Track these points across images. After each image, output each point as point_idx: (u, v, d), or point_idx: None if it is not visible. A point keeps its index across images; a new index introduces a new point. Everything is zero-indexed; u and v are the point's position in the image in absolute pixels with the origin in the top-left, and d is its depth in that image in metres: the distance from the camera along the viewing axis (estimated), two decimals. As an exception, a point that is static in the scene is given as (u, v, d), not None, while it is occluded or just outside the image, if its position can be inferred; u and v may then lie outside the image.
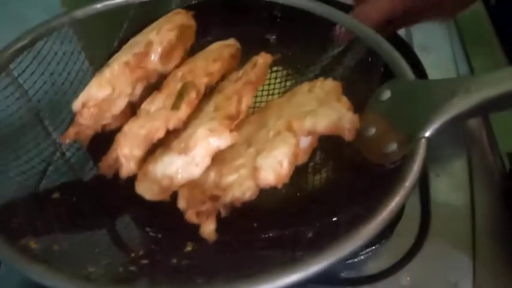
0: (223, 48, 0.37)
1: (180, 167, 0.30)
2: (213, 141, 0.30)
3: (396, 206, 0.25)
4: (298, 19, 0.43)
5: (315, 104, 0.34)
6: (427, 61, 0.47)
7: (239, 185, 0.29)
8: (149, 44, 0.32)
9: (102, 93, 0.30)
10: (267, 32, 0.47)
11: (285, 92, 0.42)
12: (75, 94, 0.32)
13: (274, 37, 0.48)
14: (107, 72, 0.30)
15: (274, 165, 0.29)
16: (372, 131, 0.34)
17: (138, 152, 0.32)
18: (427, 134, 0.29)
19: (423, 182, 0.41)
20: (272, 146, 0.30)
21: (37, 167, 0.36)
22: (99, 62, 0.37)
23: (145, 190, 0.31)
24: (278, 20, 0.47)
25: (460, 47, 0.56)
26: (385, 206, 0.25)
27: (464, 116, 0.29)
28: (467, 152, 0.44)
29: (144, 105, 0.34)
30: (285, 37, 0.48)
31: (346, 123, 0.31)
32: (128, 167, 0.32)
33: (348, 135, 0.31)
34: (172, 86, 0.34)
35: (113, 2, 0.38)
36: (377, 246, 0.35)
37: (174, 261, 0.28)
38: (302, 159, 0.30)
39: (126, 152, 0.32)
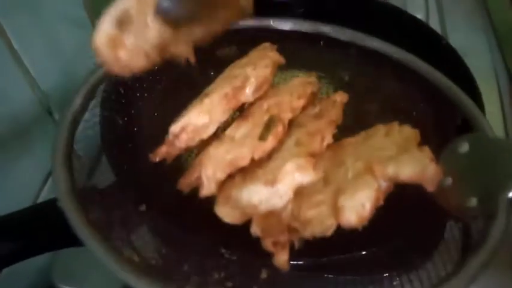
0: (306, 86, 0.39)
1: (265, 197, 0.31)
2: (299, 177, 0.31)
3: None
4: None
5: (394, 149, 0.35)
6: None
7: (320, 222, 0.30)
8: (246, 79, 0.34)
9: (201, 121, 0.32)
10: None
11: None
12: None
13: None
14: (207, 102, 0.32)
15: (358, 207, 0.30)
16: (449, 181, 0.34)
17: (221, 175, 0.33)
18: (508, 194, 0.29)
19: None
20: (355, 187, 0.31)
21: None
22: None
23: (226, 214, 0.33)
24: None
25: (499, 54, 0.54)
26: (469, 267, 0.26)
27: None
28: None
29: (229, 132, 0.36)
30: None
31: (428, 174, 0.31)
32: (208, 188, 0.34)
33: (430, 186, 0.31)
34: (258, 116, 0.36)
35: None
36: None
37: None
38: (380, 203, 0.31)
39: (210, 174, 0.34)
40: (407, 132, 0.36)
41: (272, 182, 0.31)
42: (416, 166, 0.32)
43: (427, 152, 0.33)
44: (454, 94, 0.38)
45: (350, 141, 0.38)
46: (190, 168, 0.36)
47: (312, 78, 0.41)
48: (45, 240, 0.31)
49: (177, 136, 0.33)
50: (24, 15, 0.41)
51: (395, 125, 0.38)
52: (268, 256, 0.31)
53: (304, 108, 0.39)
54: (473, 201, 0.31)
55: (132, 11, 0.28)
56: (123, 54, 0.27)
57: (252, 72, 0.34)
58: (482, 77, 0.47)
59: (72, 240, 0.26)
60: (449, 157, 0.36)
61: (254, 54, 0.37)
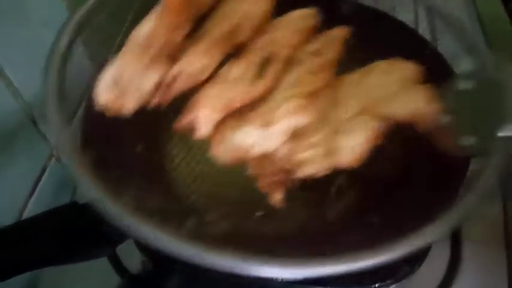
0: (304, 19, 0.37)
1: (258, 139, 0.31)
2: (293, 119, 0.31)
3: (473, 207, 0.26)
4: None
5: (393, 87, 0.34)
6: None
7: (314, 163, 0.30)
8: (243, 18, 0.32)
9: (195, 66, 0.31)
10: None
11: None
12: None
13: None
14: (201, 46, 0.31)
15: (354, 148, 0.30)
16: (447, 118, 0.34)
17: (217, 116, 0.33)
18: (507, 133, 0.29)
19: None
20: (351, 128, 0.31)
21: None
22: (100, 58, 0.36)
23: (220, 155, 0.33)
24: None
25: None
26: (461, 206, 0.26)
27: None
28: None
29: (224, 71, 0.35)
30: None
31: (425, 114, 0.31)
32: (205, 129, 0.33)
33: (424, 127, 0.31)
34: (253, 56, 0.34)
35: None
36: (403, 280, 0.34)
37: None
38: (377, 143, 0.30)
39: (207, 113, 0.33)
40: (408, 69, 0.35)
41: (265, 125, 0.31)
42: (412, 104, 0.31)
43: (425, 89, 0.32)
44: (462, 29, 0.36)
45: (348, 78, 0.37)
46: (186, 109, 0.35)
47: (312, 10, 0.39)
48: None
49: (171, 82, 0.32)
50: (5, 23, 0.39)
51: (397, 62, 0.36)
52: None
53: (302, 44, 0.37)
54: (471, 140, 0.31)
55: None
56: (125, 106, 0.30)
57: (249, 9, 0.32)
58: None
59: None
60: (451, 93, 0.35)
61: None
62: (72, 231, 0.32)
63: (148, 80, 0.31)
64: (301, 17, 0.37)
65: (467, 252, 0.38)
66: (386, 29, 0.39)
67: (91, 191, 0.26)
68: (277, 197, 0.32)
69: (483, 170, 0.28)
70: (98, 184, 0.26)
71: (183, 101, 0.34)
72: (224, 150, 0.33)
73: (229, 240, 0.30)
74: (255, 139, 0.31)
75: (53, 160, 0.46)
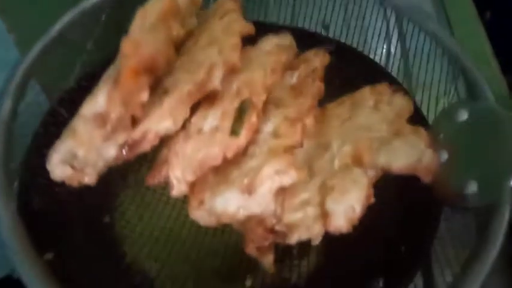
0: (280, 53, 0.33)
1: (242, 204, 0.28)
2: (279, 180, 0.27)
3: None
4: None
5: (384, 128, 0.31)
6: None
7: (306, 228, 0.27)
8: (212, 68, 0.28)
9: (164, 126, 0.27)
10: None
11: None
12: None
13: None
14: (168, 104, 0.27)
15: (347, 210, 0.27)
16: (444, 156, 0.31)
17: (191, 177, 0.30)
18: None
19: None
20: (343, 186, 0.28)
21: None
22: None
23: (201, 218, 0.30)
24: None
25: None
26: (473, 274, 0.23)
27: None
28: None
29: (195, 121, 0.31)
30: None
31: (425, 163, 0.28)
32: (179, 189, 0.30)
33: (426, 177, 0.28)
34: (228, 101, 0.31)
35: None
36: None
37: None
38: (370, 202, 0.28)
39: (179, 175, 0.30)
40: (399, 103, 0.32)
41: (249, 190, 0.27)
42: (410, 154, 0.28)
43: (422, 135, 0.29)
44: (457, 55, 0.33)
45: (335, 113, 0.34)
46: (156, 164, 0.32)
47: (287, 39, 0.35)
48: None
49: (137, 142, 0.28)
50: None
51: (385, 94, 0.33)
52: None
53: (280, 79, 0.34)
54: (472, 186, 0.28)
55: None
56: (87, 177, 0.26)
57: (218, 58, 0.28)
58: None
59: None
60: (444, 125, 0.33)
61: (216, 25, 0.31)
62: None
63: (111, 149, 0.27)
64: (277, 51, 0.34)
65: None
66: (354, 66, 0.36)
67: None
68: (268, 261, 0.29)
69: (490, 225, 0.25)
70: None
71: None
72: (204, 215, 0.29)
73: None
74: (239, 204, 0.28)
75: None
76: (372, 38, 0.41)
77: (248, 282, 0.31)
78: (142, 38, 0.24)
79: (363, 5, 0.41)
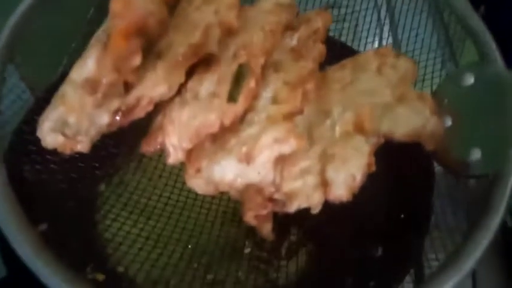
0: (280, 12, 0.31)
1: (240, 173, 0.27)
2: (278, 148, 0.27)
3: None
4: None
5: (388, 93, 0.30)
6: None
7: (306, 196, 0.27)
8: (208, 29, 0.26)
9: (158, 91, 0.26)
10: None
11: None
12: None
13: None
14: (162, 68, 0.25)
15: (347, 179, 0.26)
16: (448, 122, 0.30)
17: (188, 145, 0.29)
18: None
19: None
20: (344, 154, 0.27)
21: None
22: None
23: (198, 186, 0.29)
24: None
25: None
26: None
27: None
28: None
29: (190, 86, 0.30)
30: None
31: (429, 130, 0.27)
32: (175, 157, 0.29)
33: (430, 144, 0.27)
34: (225, 65, 0.29)
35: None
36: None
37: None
38: (371, 171, 0.27)
39: (175, 142, 0.29)
40: (404, 66, 0.31)
41: (247, 159, 0.26)
42: (414, 121, 0.27)
43: (428, 101, 0.28)
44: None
45: (335, 75, 0.33)
46: (151, 131, 0.31)
47: (288, -2, 0.33)
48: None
49: (131, 109, 0.27)
50: None
51: (389, 56, 0.32)
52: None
53: (279, 41, 0.32)
54: (475, 153, 0.28)
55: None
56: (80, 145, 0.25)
57: (214, 18, 0.27)
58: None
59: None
60: (449, 89, 0.31)
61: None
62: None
63: (104, 116, 0.26)
64: (277, 9, 0.32)
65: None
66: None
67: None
68: (266, 229, 0.29)
69: (492, 193, 0.25)
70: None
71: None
72: (201, 183, 0.29)
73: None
74: (237, 172, 0.27)
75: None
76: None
77: (247, 250, 0.31)
78: (132, -2, 0.22)
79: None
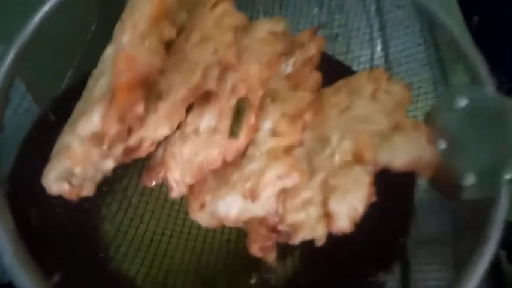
0: (275, 42, 0.32)
1: (244, 208, 0.28)
2: (281, 184, 0.27)
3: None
4: None
5: (384, 121, 0.30)
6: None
7: (310, 229, 0.28)
8: (207, 69, 0.26)
9: (160, 133, 0.26)
10: None
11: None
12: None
13: None
14: (163, 110, 0.26)
15: (349, 211, 0.27)
16: (442, 145, 0.31)
17: (190, 180, 0.29)
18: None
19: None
20: (345, 185, 0.28)
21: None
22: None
23: (203, 220, 0.30)
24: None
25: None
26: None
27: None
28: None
29: (190, 120, 0.30)
30: None
31: (425, 160, 0.28)
32: (178, 191, 0.30)
33: (426, 174, 0.28)
34: (224, 99, 0.29)
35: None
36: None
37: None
38: (372, 201, 0.28)
39: (177, 178, 0.29)
40: (398, 92, 0.32)
41: (252, 196, 0.27)
42: (411, 151, 0.28)
43: (423, 130, 0.29)
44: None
45: (331, 100, 0.33)
46: (152, 165, 0.31)
47: (281, 24, 0.33)
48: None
49: (133, 150, 0.27)
50: None
51: (382, 80, 0.33)
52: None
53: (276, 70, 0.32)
54: (470, 178, 0.29)
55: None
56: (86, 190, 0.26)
57: (213, 58, 0.27)
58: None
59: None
60: (442, 111, 0.32)
61: (207, 19, 0.29)
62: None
63: (109, 162, 0.26)
64: (270, 39, 0.32)
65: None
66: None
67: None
68: (271, 258, 0.30)
69: (489, 219, 0.26)
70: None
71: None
72: (206, 217, 0.29)
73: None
74: (240, 208, 0.28)
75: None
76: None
77: (253, 281, 0.31)
78: (135, 53, 0.22)
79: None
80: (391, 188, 0.30)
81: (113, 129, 0.23)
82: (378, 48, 0.39)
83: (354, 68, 0.40)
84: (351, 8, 0.40)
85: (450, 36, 0.32)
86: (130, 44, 0.22)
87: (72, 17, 0.34)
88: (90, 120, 0.23)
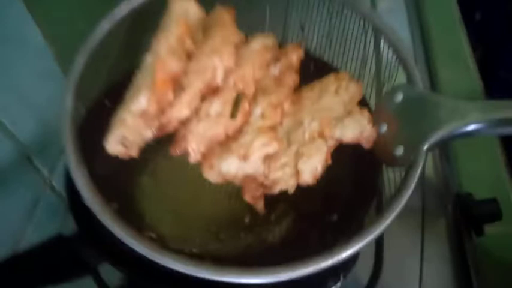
0: (265, 52, 0.44)
1: (240, 167, 0.40)
2: (265, 149, 0.40)
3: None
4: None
5: (341, 109, 0.42)
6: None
7: (285, 182, 0.40)
8: (215, 70, 0.39)
9: (184, 114, 0.39)
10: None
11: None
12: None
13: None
14: (186, 98, 0.38)
15: (312, 169, 0.39)
16: (384, 128, 0.43)
17: (203, 148, 0.42)
18: (426, 146, 0.39)
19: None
20: (310, 152, 0.40)
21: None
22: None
23: (212, 177, 0.42)
24: None
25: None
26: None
27: (455, 137, 0.38)
28: (422, 193, 0.51)
29: (204, 107, 0.42)
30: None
31: (366, 134, 0.40)
32: (195, 157, 0.42)
33: (366, 145, 0.40)
34: (228, 93, 0.42)
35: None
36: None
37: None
38: (328, 163, 0.40)
39: (194, 147, 0.42)
40: (353, 89, 0.44)
41: (244, 157, 0.39)
42: (356, 129, 0.40)
43: (366, 114, 0.41)
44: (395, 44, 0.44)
45: (307, 95, 0.46)
46: (177, 139, 0.44)
47: (271, 39, 0.46)
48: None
49: (165, 126, 0.40)
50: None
51: (344, 80, 0.45)
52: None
53: (265, 72, 0.45)
54: (400, 150, 0.41)
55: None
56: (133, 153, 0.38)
57: (220, 64, 0.39)
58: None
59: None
60: (386, 103, 0.44)
61: (216, 37, 0.41)
62: (57, 261, 0.42)
63: (149, 132, 0.39)
64: (262, 50, 0.45)
65: (388, 258, 0.47)
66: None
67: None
68: (260, 205, 0.42)
69: (405, 181, 0.38)
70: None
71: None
72: (214, 175, 0.42)
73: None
74: (237, 167, 0.40)
75: (47, 190, 0.53)
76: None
77: (246, 220, 0.44)
78: (167, 59, 0.35)
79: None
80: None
81: (154, 108, 0.36)
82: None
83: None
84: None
85: (392, 43, 0.44)
86: (164, 53, 0.35)
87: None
88: (140, 100, 0.35)
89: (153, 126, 0.38)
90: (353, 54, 0.53)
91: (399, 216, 0.34)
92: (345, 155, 0.43)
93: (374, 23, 0.47)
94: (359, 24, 0.47)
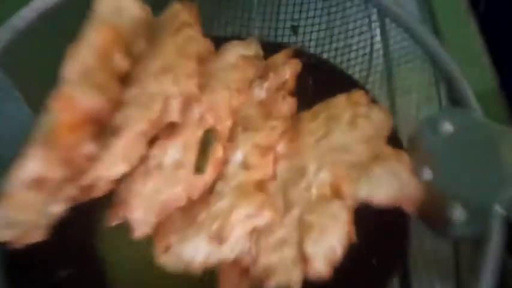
0: (246, 67, 0.30)
1: (212, 252, 0.25)
2: (251, 223, 0.25)
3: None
4: None
5: (363, 150, 0.28)
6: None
7: (285, 272, 0.25)
8: (167, 101, 0.24)
9: (116, 171, 0.24)
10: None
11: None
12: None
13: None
14: (120, 146, 0.23)
15: (327, 253, 0.25)
16: (428, 173, 0.29)
17: (153, 219, 0.27)
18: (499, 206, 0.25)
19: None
20: (322, 222, 0.25)
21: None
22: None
23: (169, 264, 0.27)
24: None
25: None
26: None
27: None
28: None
29: (154, 153, 0.27)
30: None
31: (408, 193, 0.26)
32: (142, 231, 0.27)
33: (409, 208, 0.26)
34: (190, 131, 0.27)
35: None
36: None
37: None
38: (352, 241, 0.25)
39: (139, 217, 0.27)
40: (378, 118, 0.29)
41: (219, 238, 0.24)
42: (392, 185, 0.26)
43: (404, 161, 0.26)
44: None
45: (309, 127, 0.31)
46: (115, 204, 0.28)
47: (253, 48, 0.31)
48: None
49: (88, 189, 0.24)
50: None
51: (362, 105, 0.30)
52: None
53: (247, 97, 0.30)
54: (458, 212, 0.26)
55: None
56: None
57: (174, 89, 0.25)
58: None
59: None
60: (426, 137, 0.30)
61: (169, 45, 0.26)
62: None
63: (57, 205, 0.23)
64: (241, 64, 0.30)
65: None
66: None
67: None
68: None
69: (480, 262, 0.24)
70: None
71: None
72: (171, 261, 0.27)
73: None
74: (209, 252, 0.25)
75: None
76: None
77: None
78: (77, 91, 0.20)
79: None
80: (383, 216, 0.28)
81: (57, 173, 0.20)
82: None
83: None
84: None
85: (433, 56, 0.30)
86: (73, 81, 0.20)
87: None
88: (27, 165, 0.20)
89: (64, 195, 0.22)
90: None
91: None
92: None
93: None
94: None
